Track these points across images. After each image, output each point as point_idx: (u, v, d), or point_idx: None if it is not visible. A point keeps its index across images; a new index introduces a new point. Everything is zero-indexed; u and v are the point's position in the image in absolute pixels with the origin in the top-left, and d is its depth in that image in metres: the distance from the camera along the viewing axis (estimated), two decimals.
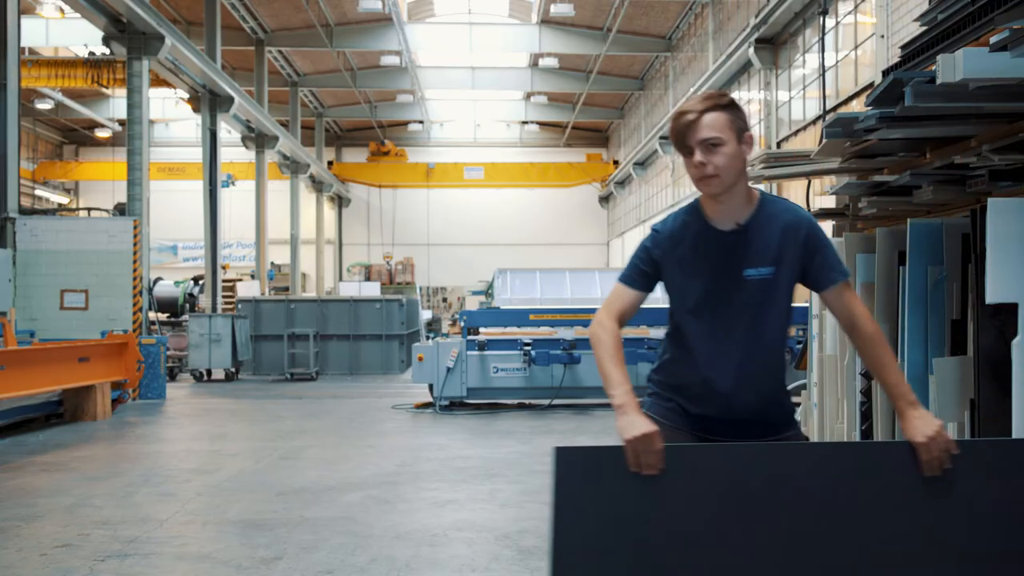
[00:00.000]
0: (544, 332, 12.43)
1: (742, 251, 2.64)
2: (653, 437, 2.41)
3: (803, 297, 15.65)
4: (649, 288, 2.76)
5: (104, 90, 27.30)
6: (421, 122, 36.78)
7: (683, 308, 2.72)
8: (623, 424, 2.44)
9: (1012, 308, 3.57)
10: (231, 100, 20.18)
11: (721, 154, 2.55)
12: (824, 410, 5.52)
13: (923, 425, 2.45)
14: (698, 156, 2.55)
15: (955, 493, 2.46)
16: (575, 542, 2.44)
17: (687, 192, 24.10)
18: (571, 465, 2.47)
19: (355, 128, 38.51)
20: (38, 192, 34.35)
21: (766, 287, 2.64)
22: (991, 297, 3.54)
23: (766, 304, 2.66)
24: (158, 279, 19.71)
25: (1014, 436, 3.51)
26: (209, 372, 17.22)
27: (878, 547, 2.46)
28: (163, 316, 18.80)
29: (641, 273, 2.74)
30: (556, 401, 12.06)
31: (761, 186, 18.18)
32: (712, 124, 2.55)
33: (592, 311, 11.14)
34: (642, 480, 2.44)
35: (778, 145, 17.61)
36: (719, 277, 2.65)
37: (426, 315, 26.76)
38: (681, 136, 2.58)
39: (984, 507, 2.46)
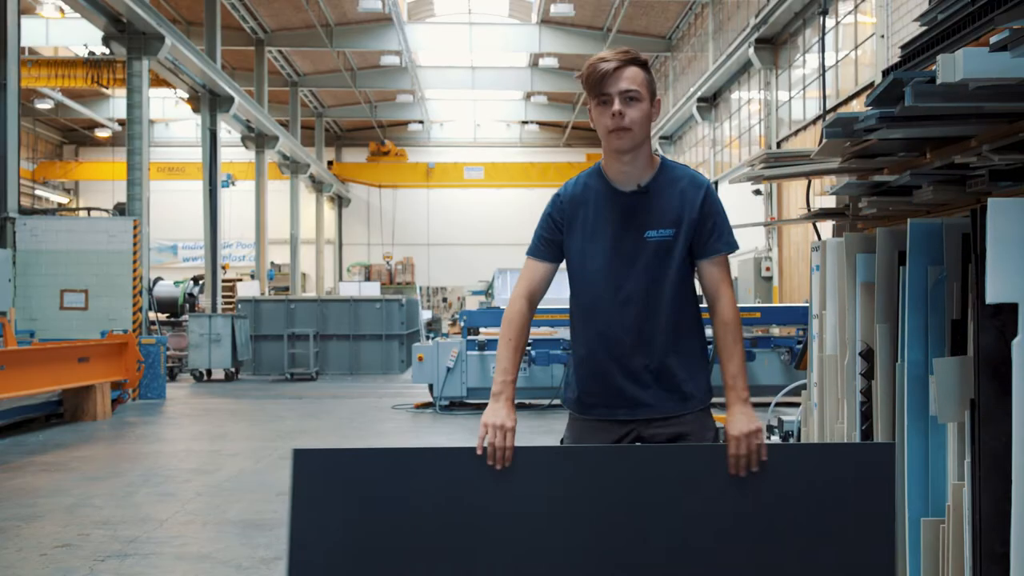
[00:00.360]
0: (544, 332, 12.42)
1: (644, 212, 2.64)
2: (506, 431, 2.48)
3: (803, 296, 15.54)
4: (558, 257, 2.75)
5: (104, 90, 27.27)
6: (421, 122, 36.77)
7: (584, 271, 2.69)
8: (487, 410, 2.52)
9: (1012, 308, 3.57)
10: (231, 100, 20.18)
11: (638, 109, 2.57)
12: (824, 410, 5.52)
13: (742, 423, 2.48)
14: (617, 105, 2.54)
15: (762, 496, 2.46)
16: (312, 542, 2.46)
17: None
18: (309, 466, 2.51)
19: (355, 128, 38.49)
20: (38, 192, 34.33)
21: (668, 249, 2.64)
22: (991, 297, 3.54)
23: (668, 266, 2.64)
24: (158, 279, 19.72)
25: (1014, 437, 3.51)
26: (209, 372, 17.22)
27: (671, 550, 2.45)
28: (163, 316, 18.81)
29: (547, 242, 2.72)
30: (556, 401, 12.06)
31: (761, 186, 18.17)
32: (633, 78, 2.56)
33: None
34: (381, 483, 2.48)
35: (778, 145, 17.61)
36: (621, 238, 2.65)
37: (426, 315, 26.77)
38: (600, 83, 2.56)
39: (789, 509, 2.46)
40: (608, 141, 2.61)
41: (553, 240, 2.71)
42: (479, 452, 2.47)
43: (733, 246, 2.67)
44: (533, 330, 12.43)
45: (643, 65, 2.60)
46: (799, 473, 2.48)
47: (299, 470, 2.51)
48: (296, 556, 2.46)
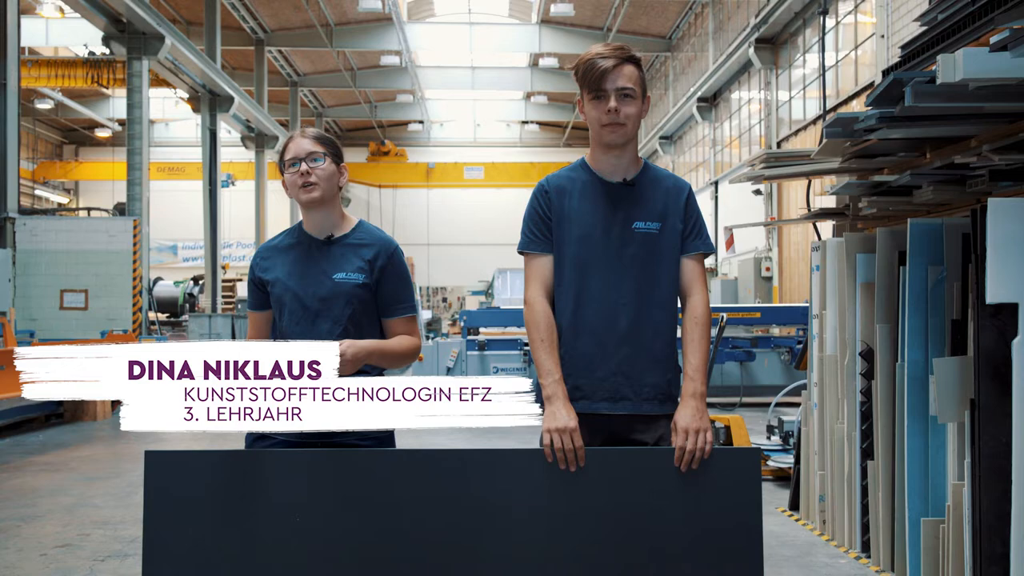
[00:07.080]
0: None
1: (631, 203, 2.67)
2: (572, 432, 2.47)
3: (803, 297, 15.50)
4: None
5: (104, 90, 27.30)
6: (421, 122, 36.78)
7: (571, 260, 2.66)
8: (546, 414, 2.50)
9: (1012, 308, 3.57)
10: (231, 100, 20.18)
11: (632, 105, 2.64)
12: (824, 410, 5.52)
13: (694, 418, 2.50)
14: (613, 102, 2.60)
15: (583, 498, 2.46)
16: (166, 545, 2.43)
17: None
18: (161, 468, 2.47)
19: (355, 128, 38.50)
20: (38, 192, 34.34)
21: (654, 242, 2.66)
22: (991, 297, 3.54)
23: (655, 260, 2.65)
24: (158, 279, 19.75)
25: (1014, 437, 3.52)
26: None
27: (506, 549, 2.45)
28: (163, 316, 18.83)
29: (543, 234, 2.70)
30: None
31: (761, 186, 18.14)
32: (630, 76, 2.63)
33: None
34: (233, 485, 2.45)
35: (778, 145, 17.61)
36: (609, 228, 2.65)
37: (426, 315, 26.75)
38: (599, 78, 2.60)
39: (613, 507, 2.46)
40: (601, 135, 2.66)
41: (547, 232, 2.69)
42: (549, 460, 2.47)
43: (710, 247, 2.74)
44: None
45: (637, 63, 2.66)
46: (667, 477, 2.47)
47: (151, 471, 2.44)
48: (151, 556, 2.42)
